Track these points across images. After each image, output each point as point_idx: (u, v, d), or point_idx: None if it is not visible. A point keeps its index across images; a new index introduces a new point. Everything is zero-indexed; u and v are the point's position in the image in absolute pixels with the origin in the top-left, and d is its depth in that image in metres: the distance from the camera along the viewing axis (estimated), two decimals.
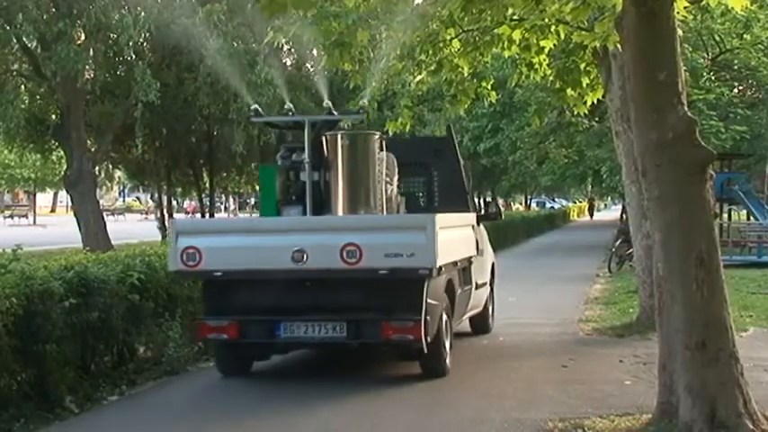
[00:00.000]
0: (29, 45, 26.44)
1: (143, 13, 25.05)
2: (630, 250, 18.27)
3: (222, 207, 69.97)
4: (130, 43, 24.13)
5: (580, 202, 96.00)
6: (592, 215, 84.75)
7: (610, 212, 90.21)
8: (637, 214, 13.28)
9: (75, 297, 8.94)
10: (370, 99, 10.69)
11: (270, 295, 10.16)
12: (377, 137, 11.03)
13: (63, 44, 23.34)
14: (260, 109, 11.73)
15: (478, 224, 12.79)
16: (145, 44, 26.77)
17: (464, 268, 11.74)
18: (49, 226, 51.66)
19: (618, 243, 24.49)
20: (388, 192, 11.04)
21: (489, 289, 13.84)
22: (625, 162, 13.46)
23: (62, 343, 8.70)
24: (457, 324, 11.72)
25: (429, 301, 9.84)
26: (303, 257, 9.69)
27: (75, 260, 9.87)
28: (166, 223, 34.05)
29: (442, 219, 9.99)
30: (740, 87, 33.39)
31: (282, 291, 10.11)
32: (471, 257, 11.93)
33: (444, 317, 10.50)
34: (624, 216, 25.41)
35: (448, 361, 10.49)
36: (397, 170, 11.32)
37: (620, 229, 25.65)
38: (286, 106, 11.46)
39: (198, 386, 10.18)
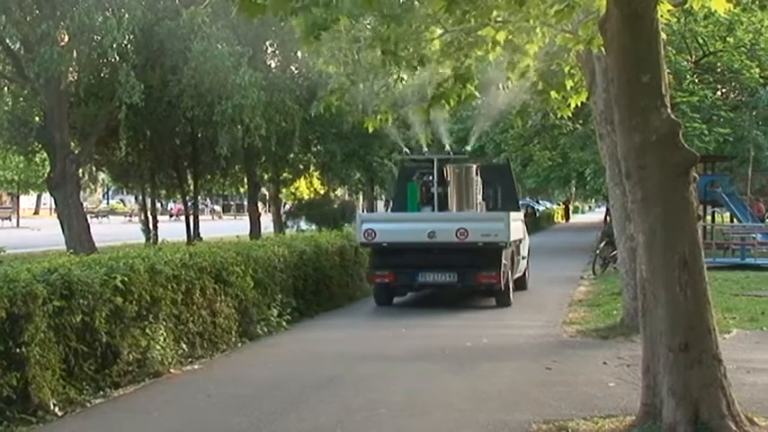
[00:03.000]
0: (12, 47, 26.38)
1: (127, 15, 25.01)
2: (614, 252, 18.33)
3: (206, 209, 69.79)
4: (114, 45, 24.08)
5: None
6: (568, 218, 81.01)
7: (594, 215, 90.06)
8: (621, 216, 13.31)
9: (58, 300, 8.89)
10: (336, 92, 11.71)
11: (413, 257, 17.14)
12: (474, 167, 18.72)
13: (46, 46, 23.26)
14: (407, 151, 19.97)
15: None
16: (129, 46, 26.70)
17: (518, 245, 18.73)
18: (42, 228, 51.25)
19: (602, 245, 24.54)
20: (478, 199, 18.52)
21: (526, 261, 20.58)
22: (609, 164, 13.49)
23: (45, 346, 8.66)
24: (513, 278, 18.28)
25: (503, 261, 16.94)
26: (434, 235, 16.90)
27: (58, 263, 9.81)
28: (151, 225, 34.15)
29: (511, 215, 17.38)
30: (723, 90, 33.55)
31: (420, 254, 17.10)
32: (521, 239, 19.23)
33: (509, 272, 17.61)
34: (608, 218, 25.50)
35: (511, 297, 17.48)
36: (480, 185, 18.67)
37: (604, 232, 25.68)
38: (424, 149, 19.01)
39: (182, 389, 10.14)
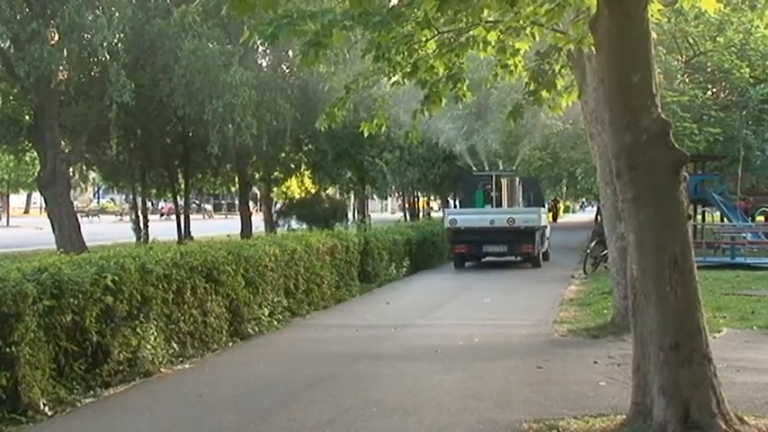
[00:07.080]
0: (2, 45, 26.27)
1: (117, 14, 24.96)
2: (605, 251, 18.33)
3: (197, 207, 69.59)
4: (105, 44, 24.03)
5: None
6: (556, 219, 77.35)
7: (584, 214, 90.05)
8: (611, 216, 13.31)
9: (48, 299, 8.87)
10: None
11: (480, 236, 26.48)
12: (518, 179, 29.54)
13: (36, 44, 23.20)
14: (475, 168, 33.31)
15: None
16: (119, 45, 26.65)
17: (544, 229, 28.33)
18: (43, 227, 50.91)
19: (593, 244, 24.58)
20: (520, 199, 28.60)
21: (548, 241, 29.99)
22: (599, 164, 13.50)
23: (35, 345, 8.64)
24: (541, 250, 27.78)
25: (536, 239, 26.45)
26: (493, 222, 26.46)
27: (48, 262, 9.78)
28: (141, 224, 34.10)
29: (541, 209, 28.51)
30: (714, 90, 33.57)
31: (484, 234, 26.41)
32: (546, 226, 29.05)
33: (540, 246, 27.04)
34: (599, 217, 25.60)
35: (541, 263, 27.03)
36: (521, 191, 28.83)
37: (594, 231, 25.74)
38: (486, 168, 32.54)
39: (173, 388, 10.13)
